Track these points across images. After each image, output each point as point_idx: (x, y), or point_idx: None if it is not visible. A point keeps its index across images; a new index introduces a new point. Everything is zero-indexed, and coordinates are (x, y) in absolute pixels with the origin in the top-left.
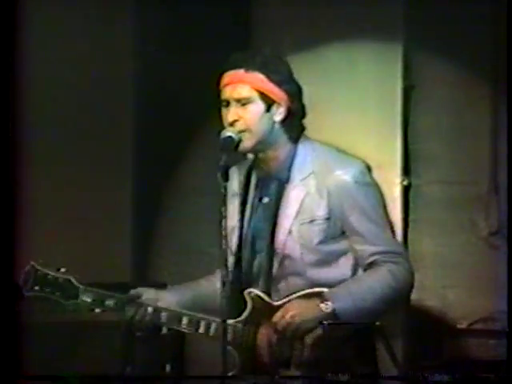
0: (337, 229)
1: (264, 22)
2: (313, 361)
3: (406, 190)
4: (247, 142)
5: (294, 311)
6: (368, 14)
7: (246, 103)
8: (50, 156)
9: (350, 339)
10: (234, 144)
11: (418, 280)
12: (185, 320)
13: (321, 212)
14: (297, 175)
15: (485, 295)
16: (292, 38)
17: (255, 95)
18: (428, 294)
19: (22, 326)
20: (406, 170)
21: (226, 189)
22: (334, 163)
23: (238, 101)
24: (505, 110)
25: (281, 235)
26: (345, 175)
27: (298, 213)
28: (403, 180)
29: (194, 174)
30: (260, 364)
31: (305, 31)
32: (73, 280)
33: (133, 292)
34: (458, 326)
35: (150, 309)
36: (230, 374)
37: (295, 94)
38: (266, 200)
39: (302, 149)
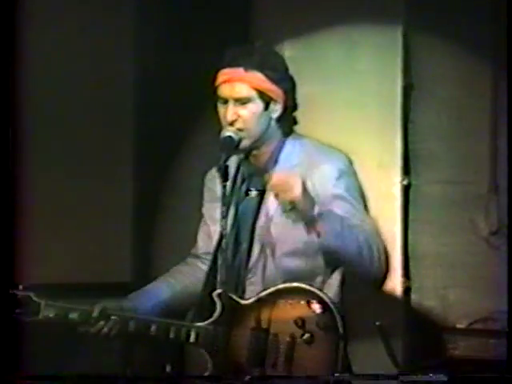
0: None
1: (263, 11)
2: (288, 360)
3: (406, 190)
4: (246, 141)
5: (297, 178)
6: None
7: (246, 102)
8: (49, 156)
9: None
10: (234, 144)
11: (418, 280)
12: (153, 327)
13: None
14: (282, 166)
15: (485, 295)
16: (291, 26)
17: (254, 94)
18: (428, 294)
19: (22, 326)
20: (406, 170)
21: (225, 188)
22: (320, 157)
23: (237, 100)
24: (505, 110)
25: (262, 223)
26: (329, 168)
27: None
28: (403, 180)
29: (194, 173)
30: (233, 365)
31: (304, 18)
32: (33, 296)
33: (96, 304)
34: (458, 326)
35: (116, 319)
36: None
37: (291, 90)
38: (253, 194)
39: (291, 142)
